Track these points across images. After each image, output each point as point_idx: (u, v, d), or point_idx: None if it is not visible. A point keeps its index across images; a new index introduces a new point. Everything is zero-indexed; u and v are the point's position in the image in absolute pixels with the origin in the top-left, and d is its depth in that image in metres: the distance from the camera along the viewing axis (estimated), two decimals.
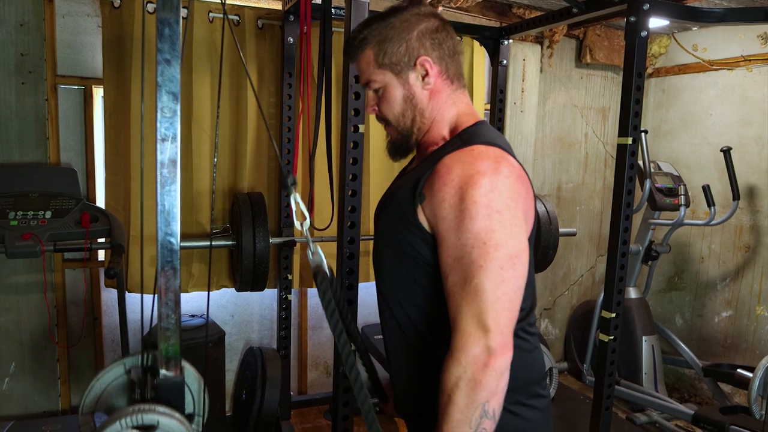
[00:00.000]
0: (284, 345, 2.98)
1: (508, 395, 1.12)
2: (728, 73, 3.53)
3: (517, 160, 1.11)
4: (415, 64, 1.15)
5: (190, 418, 1.37)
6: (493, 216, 0.99)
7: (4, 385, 2.57)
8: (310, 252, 1.16)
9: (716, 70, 3.59)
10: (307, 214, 1.19)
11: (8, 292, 2.54)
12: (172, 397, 1.25)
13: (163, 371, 1.24)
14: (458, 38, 1.22)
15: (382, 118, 1.22)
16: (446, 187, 1.03)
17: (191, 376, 1.37)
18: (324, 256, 1.15)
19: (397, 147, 1.24)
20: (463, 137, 1.13)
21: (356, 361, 1.15)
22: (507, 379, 0.99)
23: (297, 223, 1.19)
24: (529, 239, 1.08)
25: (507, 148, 1.11)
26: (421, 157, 1.23)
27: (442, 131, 1.19)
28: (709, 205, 3.20)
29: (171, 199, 1.17)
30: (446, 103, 1.19)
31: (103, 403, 1.32)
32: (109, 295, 2.75)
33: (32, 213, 2.22)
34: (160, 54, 1.14)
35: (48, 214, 2.23)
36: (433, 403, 1.17)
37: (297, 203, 1.17)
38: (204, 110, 2.69)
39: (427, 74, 1.16)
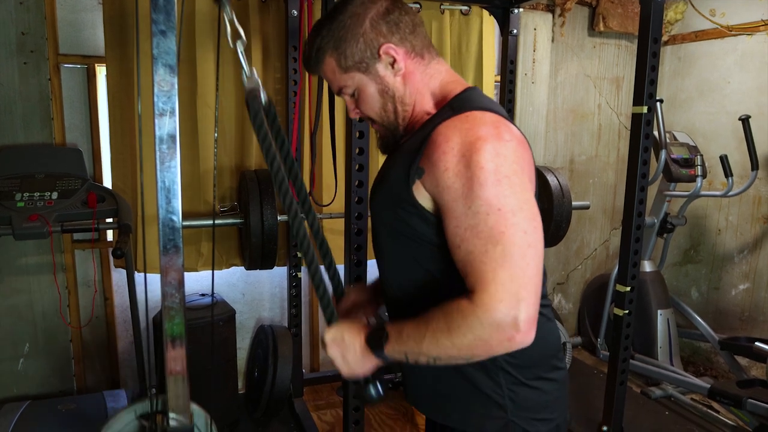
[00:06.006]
0: (295, 323, 2.98)
1: (528, 370, 1.11)
2: (747, 39, 3.41)
3: (515, 125, 1.06)
4: (379, 55, 1.10)
5: None
6: (502, 181, 0.94)
7: (19, 365, 2.59)
8: (245, 75, 1.09)
9: (735, 35, 3.47)
10: (242, 32, 1.12)
11: (19, 274, 2.54)
12: None
13: (172, 418, 1.25)
14: (413, 9, 1.15)
15: (367, 118, 1.18)
16: (447, 156, 0.97)
17: (200, 417, 1.38)
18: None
19: (387, 142, 1.20)
20: (454, 105, 1.08)
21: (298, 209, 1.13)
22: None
23: (230, 42, 1.13)
24: None
25: (502, 114, 1.07)
26: (411, 131, 1.18)
27: (428, 105, 1.15)
28: (726, 176, 3.12)
29: (171, 175, 1.14)
30: (423, 79, 1.14)
31: None
32: (119, 276, 2.75)
33: (39, 194, 2.21)
34: (155, 25, 1.10)
35: (54, 195, 2.22)
36: (443, 383, 1.14)
37: (231, 22, 1.10)
38: (209, 87, 2.65)
39: (395, 61, 1.10)
